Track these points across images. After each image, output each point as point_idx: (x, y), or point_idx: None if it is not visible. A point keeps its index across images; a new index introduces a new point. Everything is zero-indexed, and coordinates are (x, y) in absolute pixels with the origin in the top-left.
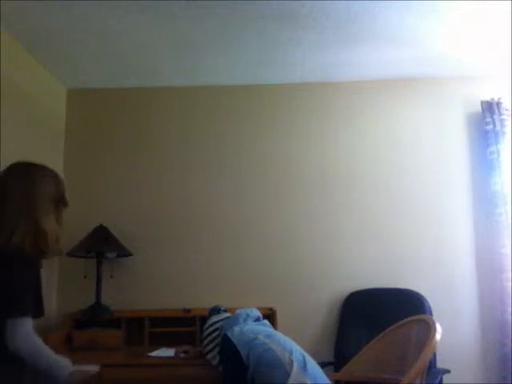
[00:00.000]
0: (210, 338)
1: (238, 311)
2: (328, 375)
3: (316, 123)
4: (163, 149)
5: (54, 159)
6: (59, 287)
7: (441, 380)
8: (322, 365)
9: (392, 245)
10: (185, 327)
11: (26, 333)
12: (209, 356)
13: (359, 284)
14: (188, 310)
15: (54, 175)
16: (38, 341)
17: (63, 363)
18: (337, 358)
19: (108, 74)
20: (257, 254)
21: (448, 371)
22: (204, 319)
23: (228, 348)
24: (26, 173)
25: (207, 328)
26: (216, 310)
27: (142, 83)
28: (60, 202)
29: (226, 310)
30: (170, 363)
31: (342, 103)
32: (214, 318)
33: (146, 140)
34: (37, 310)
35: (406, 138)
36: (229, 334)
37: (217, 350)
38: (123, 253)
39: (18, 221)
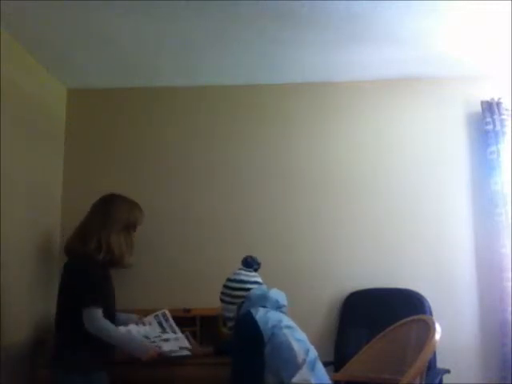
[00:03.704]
0: (231, 291)
1: (270, 292)
2: (328, 375)
3: (317, 123)
4: (164, 149)
5: (54, 159)
6: None
7: (441, 380)
8: (323, 365)
9: (392, 245)
10: (185, 327)
11: (94, 319)
12: (224, 306)
13: (359, 284)
14: (188, 310)
15: (130, 205)
16: (105, 325)
17: (132, 342)
18: (337, 358)
19: (108, 74)
20: (257, 253)
21: (448, 371)
22: (204, 319)
23: (250, 328)
24: (109, 199)
25: (233, 280)
26: (249, 264)
27: (142, 83)
28: (130, 226)
29: (259, 266)
30: (170, 363)
31: (343, 103)
32: (244, 276)
33: (147, 140)
34: (107, 301)
35: (406, 137)
36: (254, 314)
37: (233, 307)
38: None
39: (95, 235)
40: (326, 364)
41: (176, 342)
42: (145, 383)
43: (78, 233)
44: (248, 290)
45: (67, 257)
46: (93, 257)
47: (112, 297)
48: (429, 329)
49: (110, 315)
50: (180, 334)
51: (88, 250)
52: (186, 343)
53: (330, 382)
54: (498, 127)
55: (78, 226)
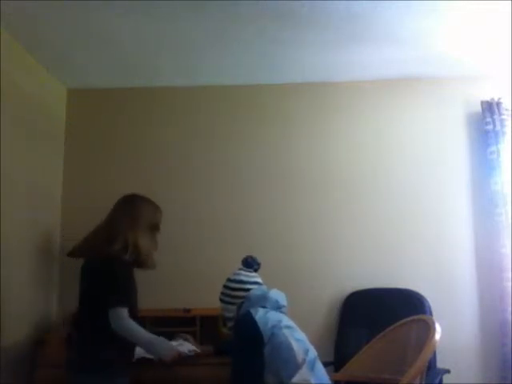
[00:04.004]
0: (231, 291)
1: (270, 292)
2: (328, 375)
3: (317, 123)
4: (164, 149)
5: (54, 159)
6: (59, 287)
7: (441, 380)
8: (323, 365)
9: (392, 245)
10: (185, 327)
11: (120, 318)
12: (223, 306)
13: (359, 284)
14: (188, 310)
15: (154, 206)
16: (131, 325)
17: (158, 343)
18: (337, 358)
19: (108, 74)
20: (257, 253)
21: (448, 371)
22: (204, 319)
23: (250, 328)
24: (133, 200)
25: (233, 281)
26: (249, 264)
27: (142, 83)
28: (154, 227)
29: (258, 266)
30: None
31: (343, 103)
32: (244, 276)
33: (147, 140)
34: (131, 301)
35: (406, 138)
36: (253, 314)
37: (233, 308)
38: None
39: (122, 235)
40: (325, 364)
41: (184, 347)
42: (145, 383)
43: (100, 233)
44: (248, 290)
45: (86, 257)
46: (119, 257)
47: (135, 297)
48: (429, 329)
49: (134, 316)
50: (182, 341)
51: (112, 251)
52: (191, 346)
53: (329, 381)
54: (498, 127)
55: (99, 227)
